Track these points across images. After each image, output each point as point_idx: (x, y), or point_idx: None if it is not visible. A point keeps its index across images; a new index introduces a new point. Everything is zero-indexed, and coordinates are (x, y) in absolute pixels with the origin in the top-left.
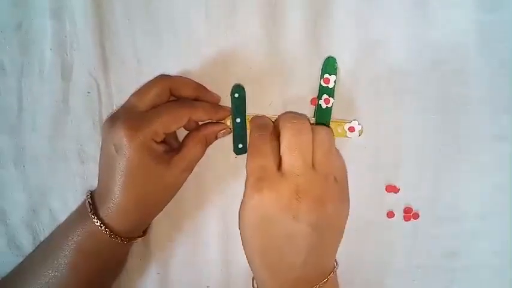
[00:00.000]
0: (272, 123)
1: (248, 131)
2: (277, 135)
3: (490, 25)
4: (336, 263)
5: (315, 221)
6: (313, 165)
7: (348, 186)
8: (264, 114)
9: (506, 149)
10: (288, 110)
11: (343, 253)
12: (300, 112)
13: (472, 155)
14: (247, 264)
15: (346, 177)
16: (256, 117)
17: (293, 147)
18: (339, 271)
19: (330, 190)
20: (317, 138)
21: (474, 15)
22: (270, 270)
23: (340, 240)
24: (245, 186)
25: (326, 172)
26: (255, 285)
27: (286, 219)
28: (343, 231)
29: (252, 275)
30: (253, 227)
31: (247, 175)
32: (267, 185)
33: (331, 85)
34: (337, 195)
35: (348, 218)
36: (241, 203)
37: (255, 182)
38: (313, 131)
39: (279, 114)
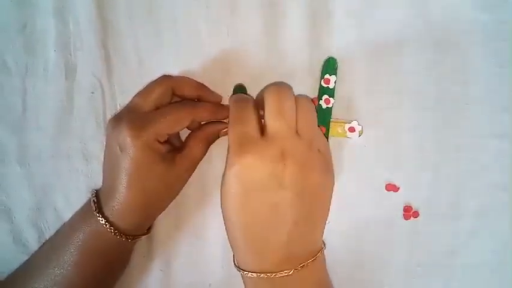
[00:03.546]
0: (252, 98)
1: None
2: (258, 108)
3: (489, 25)
4: (324, 244)
5: (300, 189)
6: (296, 132)
7: (331, 160)
8: None
9: (506, 148)
10: None
11: (343, 251)
12: None
13: (471, 153)
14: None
15: (329, 151)
16: (235, 95)
17: (277, 112)
18: (339, 267)
19: (315, 159)
20: (300, 107)
21: (474, 15)
22: (254, 248)
23: (326, 217)
24: (227, 158)
25: (310, 140)
26: (237, 264)
27: (271, 186)
28: (328, 207)
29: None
30: (235, 198)
31: (229, 145)
32: (251, 149)
33: (331, 85)
34: (322, 165)
35: (348, 217)
36: (223, 176)
37: (238, 148)
38: (296, 100)
39: None
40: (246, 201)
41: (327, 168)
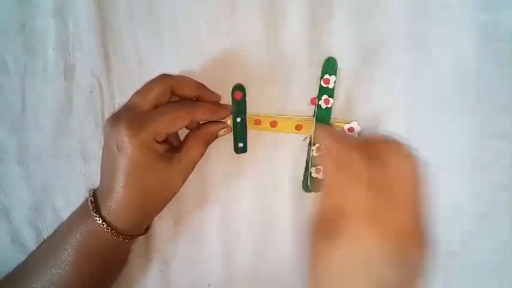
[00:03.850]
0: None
1: (248, 130)
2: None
3: (489, 25)
4: None
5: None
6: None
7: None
8: (264, 113)
9: (506, 148)
10: (288, 110)
11: None
12: (299, 112)
13: (472, 153)
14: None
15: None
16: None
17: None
18: None
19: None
20: None
21: (474, 15)
22: None
23: None
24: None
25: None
26: None
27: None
28: None
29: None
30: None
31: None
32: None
33: (331, 85)
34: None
35: None
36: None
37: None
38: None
39: (281, 114)
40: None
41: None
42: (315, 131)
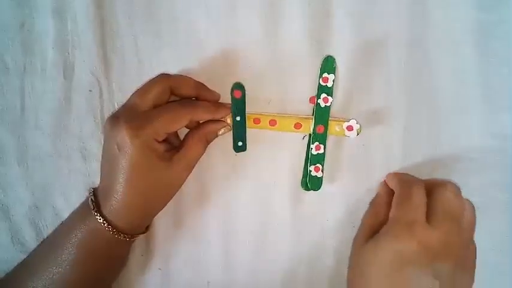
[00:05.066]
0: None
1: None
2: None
3: (489, 24)
4: None
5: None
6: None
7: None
8: (263, 112)
9: (506, 147)
10: (287, 109)
11: (344, 250)
12: (298, 110)
13: (471, 152)
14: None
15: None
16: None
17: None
18: (343, 265)
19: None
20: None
21: (473, 14)
22: None
23: None
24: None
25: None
26: None
27: (423, 272)
28: None
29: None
30: (386, 273)
31: (393, 220)
32: (419, 234)
33: (329, 84)
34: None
35: (348, 217)
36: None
37: (407, 228)
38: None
39: (280, 113)
40: (396, 280)
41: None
42: (314, 129)
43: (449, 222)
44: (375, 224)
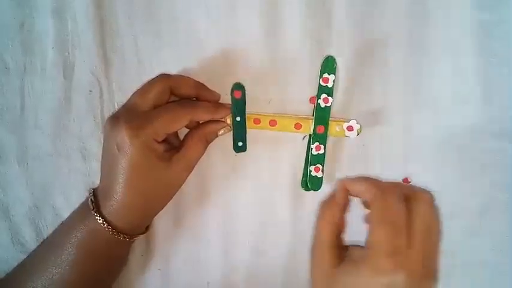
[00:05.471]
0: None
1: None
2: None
3: (489, 24)
4: None
5: None
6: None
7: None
8: (264, 112)
9: (506, 147)
10: (288, 109)
11: None
12: (298, 111)
13: (471, 152)
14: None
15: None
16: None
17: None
18: None
19: None
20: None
21: (473, 14)
22: None
23: None
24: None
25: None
26: None
27: None
28: None
29: None
30: None
31: (376, 248)
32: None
33: (330, 84)
34: None
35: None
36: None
37: (391, 259)
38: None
39: (280, 113)
40: None
41: None
42: (314, 129)
43: (428, 240)
44: (335, 233)
